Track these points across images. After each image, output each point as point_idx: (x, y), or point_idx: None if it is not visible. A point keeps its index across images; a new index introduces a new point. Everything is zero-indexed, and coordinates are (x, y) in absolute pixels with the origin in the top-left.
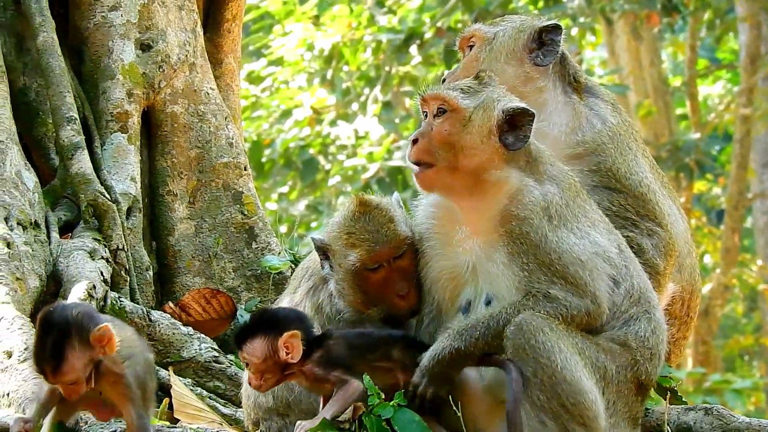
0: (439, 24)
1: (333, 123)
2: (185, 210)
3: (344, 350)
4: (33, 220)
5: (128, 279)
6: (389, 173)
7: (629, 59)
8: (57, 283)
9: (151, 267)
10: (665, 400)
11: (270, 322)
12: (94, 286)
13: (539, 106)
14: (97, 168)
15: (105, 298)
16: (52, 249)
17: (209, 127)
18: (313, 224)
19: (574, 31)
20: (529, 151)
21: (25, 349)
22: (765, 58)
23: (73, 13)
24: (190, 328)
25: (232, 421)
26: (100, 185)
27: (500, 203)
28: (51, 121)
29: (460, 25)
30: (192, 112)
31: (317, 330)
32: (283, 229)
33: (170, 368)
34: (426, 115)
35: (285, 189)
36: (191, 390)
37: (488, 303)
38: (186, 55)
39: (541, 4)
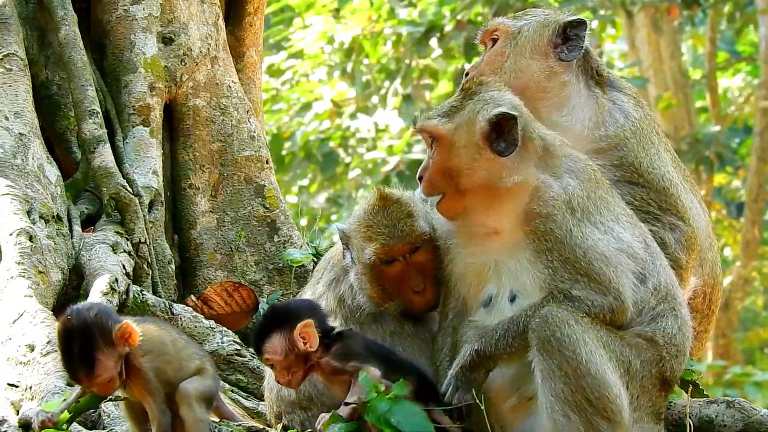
0: (459, 17)
1: (353, 116)
2: (207, 203)
3: (361, 347)
4: (55, 214)
5: (150, 272)
6: (409, 166)
7: (649, 52)
8: (79, 277)
9: (173, 260)
10: (687, 393)
11: (281, 317)
12: (117, 280)
13: (562, 101)
14: (119, 161)
15: (127, 292)
16: (75, 242)
17: (231, 121)
18: (333, 217)
19: (595, 24)
20: (540, 147)
21: (48, 343)
22: None
23: (96, 6)
24: (212, 322)
25: (255, 414)
26: (122, 179)
27: (522, 203)
28: (73, 114)
29: (480, 18)
30: (214, 105)
31: (334, 320)
32: (304, 222)
33: None
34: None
35: (305, 182)
36: None
37: (512, 299)
38: (208, 49)
39: None
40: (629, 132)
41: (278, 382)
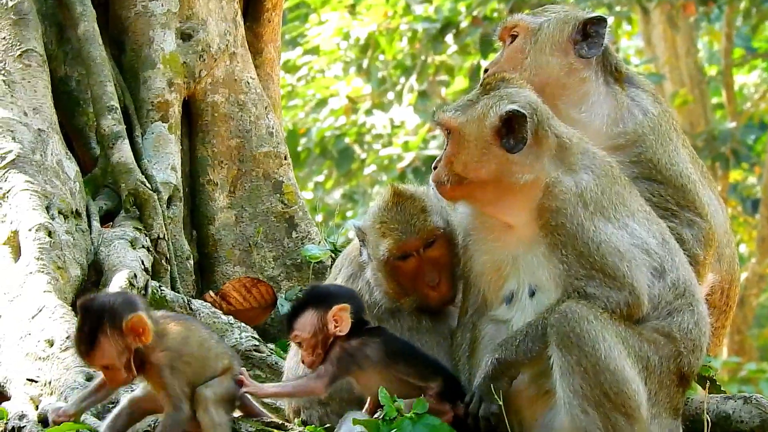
0: (475, 13)
1: (369, 112)
2: (226, 199)
3: (376, 353)
4: (74, 209)
5: (169, 268)
6: (425, 162)
7: (665, 48)
8: (98, 272)
9: (191, 256)
10: (705, 389)
11: (320, 297)
12: (135, 275)
13: (581, 98)
14: (137, 157)
15: (146, 287)
16: (93, 238)
17: (249, 117)
18: (349, 213)
19: (610, 20)
20: (556, 144)
21: (67, 338)
22: None
23: (114, 2)
24: (231, 317)
25: (273, 410)
26: (140, 174)
27: (536, 199)
28: (92, 110)
29: (495, 15)
30: (232, 101)
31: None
32: (319, 218)
33: None
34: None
35: (321, 178)
36: None
37: (532, 294)
38: (226, 45)
39: None
40: (648, 128)
41: (302, 361)
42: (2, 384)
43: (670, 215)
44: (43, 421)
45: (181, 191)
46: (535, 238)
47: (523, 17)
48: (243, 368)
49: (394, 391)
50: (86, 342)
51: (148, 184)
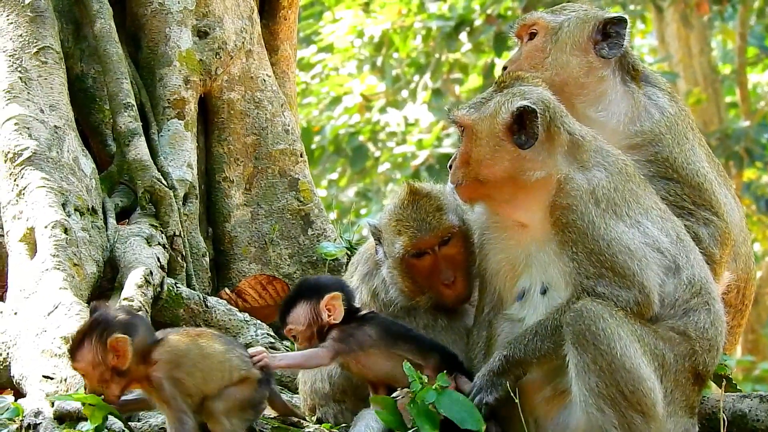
0: (489, 11)
1: (383, 110)
2: (241, 196)
3: (375, 332)
4: (90, 206)
5: (185, 265)
6: (439, 160)
7: (679, 47)
8: (114, 269)
9: (207, 253)
10: (721, 387)
11: (310, 288)
12: (151, 272)
13: (599, 97)
14: (153, 154)
15: (162, 284)
16: (109, 235)
17: (265, 114)
18: (363, 211)
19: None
20: (569, 141)
21: None
22: None
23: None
24: (246, 315)
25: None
26: (156, 171)
27: (547, 196)
28: (108, 107)
29: (509, 13)
30: (248, 98)
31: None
32: (333, 215)
33: None
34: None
35: (334, 176)
36: None
37: (544, 292)
38: (243, 42)
39: None
40: (664, 128)
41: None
42: (18, 381)
43: (686, 214)
44: (59, 418)
45: (197, 188)
46: (547, 235)
47: (543, 15)
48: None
49: (394, 369)
50: (74, 342)
51: (164, 182)
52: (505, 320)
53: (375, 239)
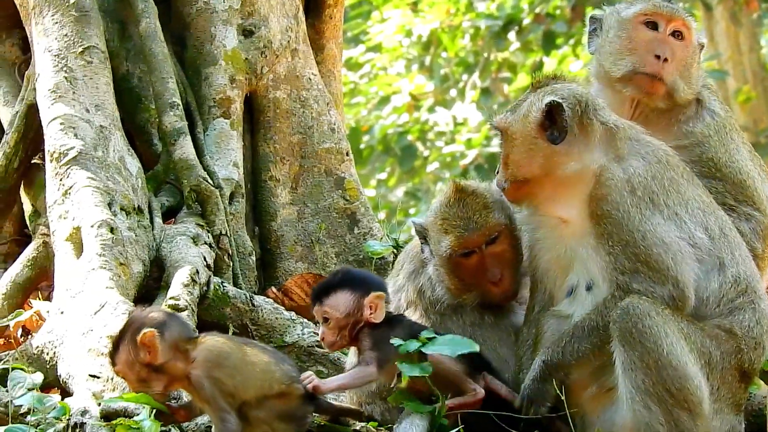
0: (537, 10)
1: (431, 109)
2: (288, 195)
3: (405, 337)
4: (136, 206)
5: (231, 264)
6: (487, 159)
7: (728, 45)
8: (160, 269)
9: (253, 252)
10: (767, 384)
11: (357, 281)
12: (197, 271)
13: None
14: (199, 154)
15: (208, 283)
16: (156, 234)
17: (311, 113)
18: (412, 210)
19: None
20: (603, 131)
21: None
22: None
23: None
24: (293, 313)
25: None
26: (202, 171)
27: (586, 189)
28: (154, 107)
29: (558, 12)
30: (294, 97)
31: (413, 312)
32: (382, 215)
33: None
34: None
35: (383, 175)
36: None
37: (588, 288)
38: (288, 41)
39: None
40: (713, 130)
41: (322, 338)
42: (65, 380)
43: (727, 209)
44: (106, 417)
45: (243, 187)
46: (586, 229)
47: (688, 16)
48: (308, 372)
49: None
50: (112, 346)
51: (210, 181)
52: (552, 317)
53: (421, 238)
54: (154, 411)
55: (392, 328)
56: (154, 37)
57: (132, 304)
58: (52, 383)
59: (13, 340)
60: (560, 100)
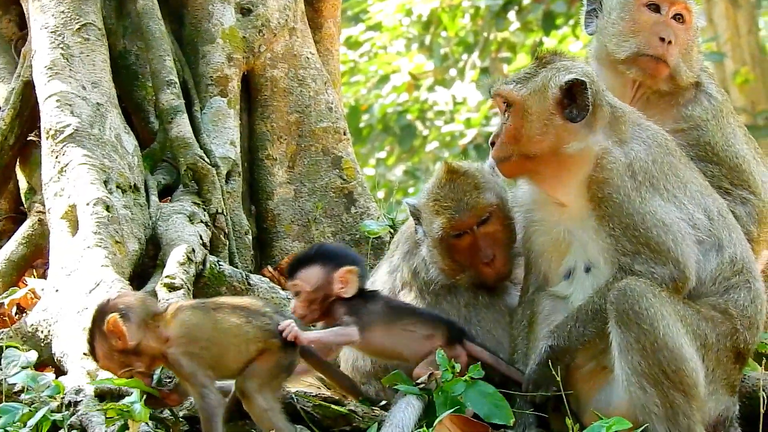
0: None
1: (431, 89)
2: (284, 174)
3: (380, 308)
4: (132, 184)
5: (227, 243)
6: (486, 139)
7: (726, 27)
8: (156, 247)
9: (250, 231)
10: (761, 366)
11: (329, 255)
12: (193, 250)
13: None
14: (196, 132)
15: (204, 262)
16: (152, 212)
17: (309, 92)
18: (411, 190)
19: None
20: (610, 114)
21: None
22: None
23: None
24: (289, 292)
25: (329, 384)
26: (199, 149)
27: (585, 171)
28: (151, 84)
29: None
30: (292, 76)
31: (409, 293)
32: (381, 194)
33: None
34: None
35: (382, 154)
36: None
37: (587, 270)
38: (286, 20)
39: None
40: (711, 115)
41: (293, 311)
42: (59, 358)
43: (723, 193)
44: (100, 395)
45: (240, 166)
46: (586, 212)
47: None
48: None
49: (401, 345)
50: (88, 345)
51: (206, 159)
52: (548, 297)
53: (414, 219)
54: (145, 396)
55: (367, 301)
56: (151, 14)
57: (127, 282)
58: (47, 361)
59: (7, 318)
60: (584, 78)
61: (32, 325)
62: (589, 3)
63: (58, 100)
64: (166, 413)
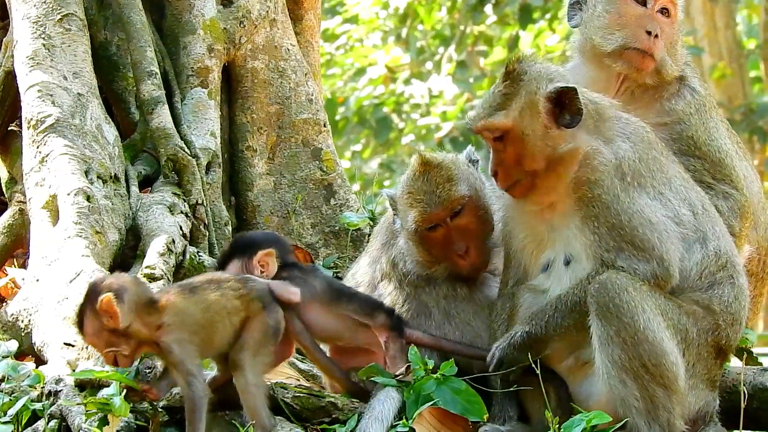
0: None
1: (407, 81)
2: (264, 166)
3: (319, 284)
4: (113, 174)
5: (207, 234)
6: (463, 132)
7: (704, 21)
8: (136, 237)
9: (230, 222)
10: (742, 361)
11: (242, 245)
12: (173, 241)
13: None
14: (177, 123)
15: (184, 253)
16: (132, 203)
17: (289, 83)
18: (387, 183)
19: None
20: (594, 110)
21: None
22: None
23: None
24: None
25: (309, 376)
26: (180, 140)
27: (572, 170)
28: (132, 75)
29: None
30: (272, 68)
31: (388, 284)
32: (356, 187)
33: None
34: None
35: (358, 147)
36: None
37: (567, 263)
38: (267, 11)
39: None
40: (694, 108)
41: None
42: (39, 348)
43: (705, 188)
44: (80, 385)
45: (220, 157)
46: (570, 210)
47: None
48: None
49: (342, 329)
50: (77, 318)
51: (187, 150)
52: (528, 291)
53: (393, 209)
54: (125, 391)
55: (307, 276)
56: (132, 5)
57: (108, 272)
58: (27, 351)
59: None
60: (568, 85)
61: (12, 314)
62: None
63: (39, 91)
64: (146, 405)
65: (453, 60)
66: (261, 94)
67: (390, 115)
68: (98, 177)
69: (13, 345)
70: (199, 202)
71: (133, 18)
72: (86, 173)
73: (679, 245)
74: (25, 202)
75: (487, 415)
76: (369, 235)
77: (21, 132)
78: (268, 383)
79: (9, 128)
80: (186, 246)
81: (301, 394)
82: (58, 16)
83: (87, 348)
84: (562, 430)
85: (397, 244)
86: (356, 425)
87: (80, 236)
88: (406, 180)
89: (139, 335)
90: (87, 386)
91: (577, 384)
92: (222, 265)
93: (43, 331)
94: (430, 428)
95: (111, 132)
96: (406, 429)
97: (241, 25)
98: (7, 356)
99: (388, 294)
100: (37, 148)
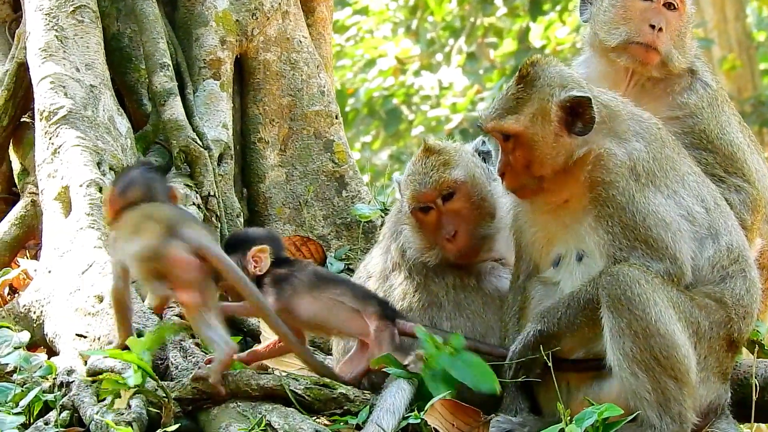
0: None
1: (417, 73)
2: (276, 157)
3: (307, 276)
4: (125, 165)
5: (219, 225)
6: (472, 124)
7: (714, 13)
8: None
9: (241, 214)
10: (753, 353)
11: (236, 242)
12: None
13: None
14: (189, 114)
15: None
16: None
17: (301, 75)
18: (396, 174)
19: None
20: (606, 115)
21: None
22: None
23: None
24: None
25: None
26: (192, 132)
27: (585, 171)
28: (144, 67)
29: None
30: (284, 59)
31: (398, 275)
32: (366, 178)
33: None
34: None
35: (368, 138)
36: None
37: (580, 259)
38: (279, 3)
39: None
40: (706, 102)
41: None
42: (51, 339)
43: (717, 181)
44: (92, 375)
45: (232, 149)
46: (584, 209)
47: None
48: None
49: (333, 316)
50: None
51: (199, 142)
52: (540, 283)
53: (400, 194)
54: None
55: (294, 270)
56: None
57: None
58: (39, 342)
59: (0, 299)
60: (583, 94)
61: (25, 305)
62: None
63: (51, 82)
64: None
65: (463, 52)
66: (273, 86)
67: (400, 107)
68: (110, 168)
69: (25, 336)
70: (211, 193)
71: (146, 10)
72: (98, 165)
73: (692, 244)
74: (38, 194)
75: (500, 388)
76: (381, 225)
77: (33, 123)
78: (280, 375)
79: (21, 120)
80: None
81: (313, 386)
82: (71, 8)
83: (99, 339)
84: (573, 422)
85: (405, 231)
86: (368, 417)
87: (92, 227)
88: (409, 164)
89: None
90: (99, 377)
91: (588, 378)
92: None
93: (55, 323)
94: (442, 420)
95: (123, 123)
96: (418, 421)
97: (254, 17)
98: (19, 347)
99: (399, 284)
100: (50, 139)
